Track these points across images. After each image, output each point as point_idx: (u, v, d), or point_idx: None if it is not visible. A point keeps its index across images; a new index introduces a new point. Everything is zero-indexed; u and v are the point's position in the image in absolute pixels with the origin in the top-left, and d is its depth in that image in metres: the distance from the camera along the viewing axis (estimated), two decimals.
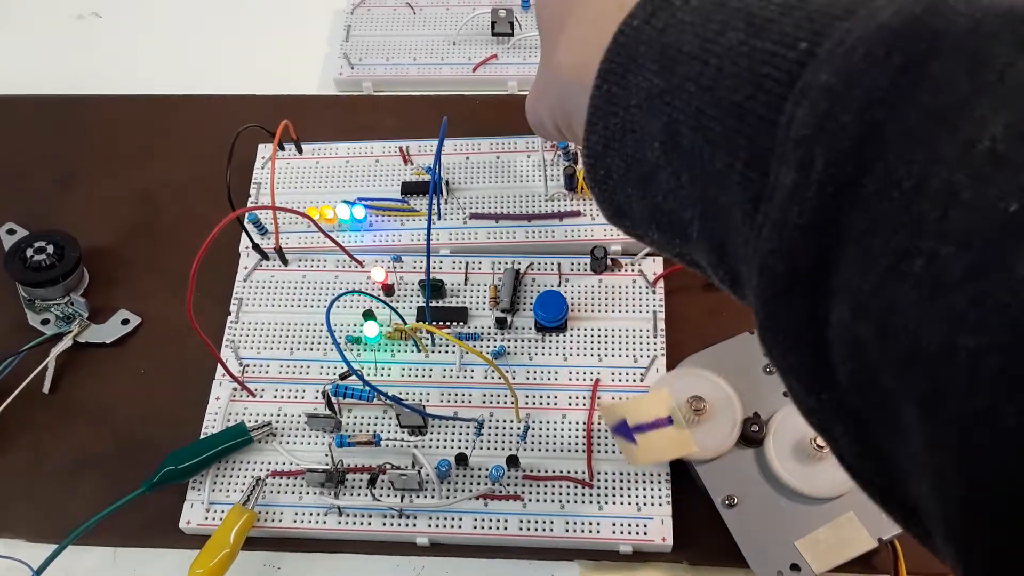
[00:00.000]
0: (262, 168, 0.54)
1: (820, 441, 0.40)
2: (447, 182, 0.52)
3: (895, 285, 0.18)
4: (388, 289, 0.49)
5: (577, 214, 0.51)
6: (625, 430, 0.40)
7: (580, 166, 0.50)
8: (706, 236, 0.24)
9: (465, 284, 0.49)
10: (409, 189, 0.52)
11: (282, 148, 0.54)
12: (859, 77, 0.19)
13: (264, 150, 0.55)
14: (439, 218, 0.51)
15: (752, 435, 0.41)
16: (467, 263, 0.50)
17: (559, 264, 0.49)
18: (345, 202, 0.51)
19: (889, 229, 0.18)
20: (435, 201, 0.51)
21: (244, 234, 0.51)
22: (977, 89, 0.18)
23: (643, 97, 0.24)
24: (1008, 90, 0.17)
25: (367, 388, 0.43)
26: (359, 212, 0.51)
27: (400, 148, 0.54)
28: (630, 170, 0.26)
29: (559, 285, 0.49)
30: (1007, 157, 0.17)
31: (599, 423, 0.45)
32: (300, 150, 0.54)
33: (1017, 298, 0.16)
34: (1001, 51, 0.18)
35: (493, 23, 0.58)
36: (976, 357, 0.16)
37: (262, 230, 0.51)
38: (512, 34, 0.59)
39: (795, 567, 0.39)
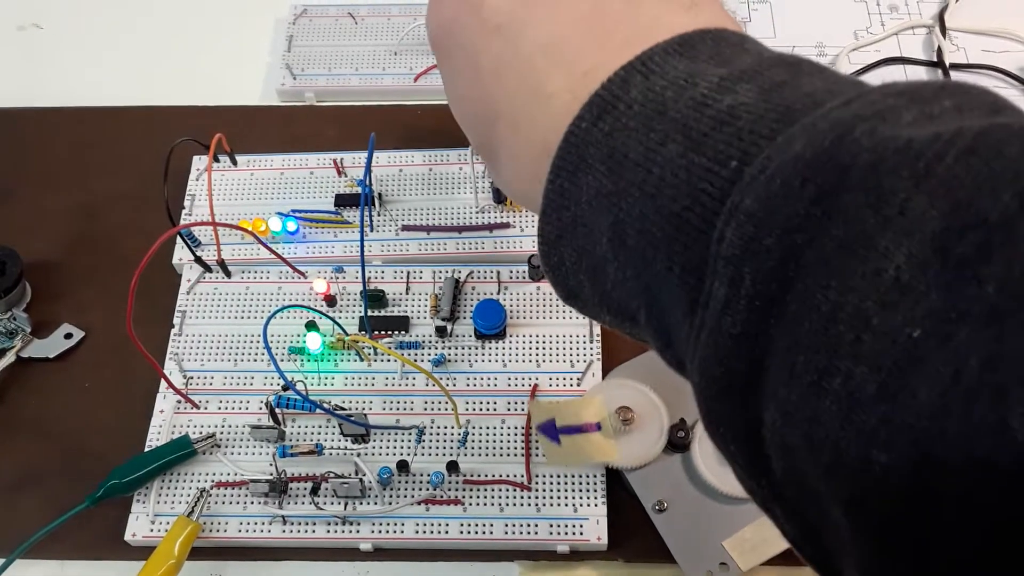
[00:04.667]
0: (196, 180, 0.55)
1: None
2: (380, 194, 0.53)
3: (817, 400, 0.19)
4: (331, 300, 0.50)
5: (506, 226, 0.52)
6: (551, 430, 0.42)
7: None
8: (652, 326, 0.25)
9: (407, 293, 0.50)
10: (342, 201, 0.53)
11: (217, 160, 0.54)
12: (778, 205, 0.20)
13: (199, 162, 0.55)
14: (371, 230, 0.52)
15: (679, 441, 0.42)
16: (408, 272, 0.51)
17: (498, 272, 0.51)
18: (279, 214, 0.52)
19: (810, 348, 0.20)
20: (367, 213, 0.52)
21: (179, 247, 0.52)
22: (881, 222, 0.19)
23: (592, 195, 0.25)
24: (908, 223, 0.19)
25: (308, 399, 0.44)
26: (292, 225, 0.51)
27: (334, 160, 0.54)
28: (581, 259, 0.27)
29: (498, 293, 0.50)
30: (910, 286, 0.18)
31: (540, 453, 0.46)
32: (234, 162, 0.55)
33: (919, 421, 0.17)
34: (901, 185, 0.19)
35: None
36: (887, 471, 0.18)
37: (195, 242, 0.51)
38: None
39: (723, 565, 0.41)
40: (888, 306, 0.18)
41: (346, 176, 0.54)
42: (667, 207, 0.23)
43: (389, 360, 0.48)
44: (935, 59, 0.59)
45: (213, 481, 0.45)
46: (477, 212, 0.53)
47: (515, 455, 0.46)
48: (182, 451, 0.45)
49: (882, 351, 0.18)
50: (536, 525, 0.44)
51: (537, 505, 0.44)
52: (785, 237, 0.20)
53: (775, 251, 0.20)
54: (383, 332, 0.49)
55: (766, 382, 0.21)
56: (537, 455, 0.45)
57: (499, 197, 0.52)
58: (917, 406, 0.17)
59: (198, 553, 0.44)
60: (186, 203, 0.54)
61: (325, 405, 0.45)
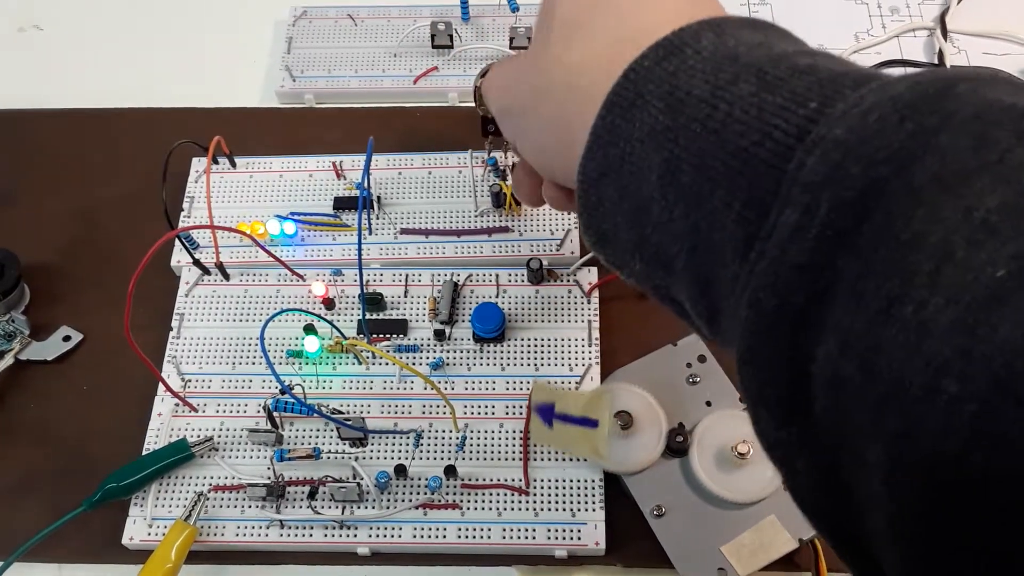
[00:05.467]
0: (195, 182, 0.54)
1: (741, 449, 0.41)
2: (379, 197, 0.53)
3: (884, 327, 0.19)
4: (329, 303, 0.50)
5: (505, 230, 0.52)
6: (547, 413, 0.42)
7: (507, 182, 0.52)
8: (691, 270, 0.25)
9: (405, 296, 0.50)
10: (341, 204, 0.53)
11: (216, 162, 0.54)
12: (872, 136, 0.21)
13: (198, 164, 0.55)
14: (370, 233, 0.52)
15: (677, 446, 0.42)
16: (407, 275, 0.51)
17: (497, 275, 0.51)
18: (277, 217, 0.52)
19: (883, 275, 0.20)
20: (366, 216, 0.52)
21: (178, 249, 0.52)
22: (980, 165, 0.19)
23: (646, 132, 0.25)
24: (1006, 170, 0.19)
25: (305, 404, 0.44)
26: (290, 228, 0.51)
27: (333, 163, 0.54)
28: (623, 200, 0.27)
29: (497, 296, 0.50)
30: (999, 228, 0.18)
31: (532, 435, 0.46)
32: (233, 164, 0.55)
33: (1000, 355, 0.17)
34: (1003, 136, 0.20)
35: (433, 36, 0.59)
36: (956, 402, 0.18)
37: (194, 244, 0.51)
38: (452, 47, 0.59)
39: (721, 570, 0.41)
40: (974, 244, 0.19)
41: (345, 179, 0.54)
42: (733, 142, 0.23)
43: (387, 364, 0.48)
44: (936, 61, 0.59)
45: (210, 485, 0.45)
46: (476, 216, 0.52)
47: (513, 459, 0.45)
48: (180, 454, 0.45)
49: (963, 285, 0.18)
50: (534, 530, 0.44)
51: (535, 510, 0.44)
52: (872, 169, 0.20)
53: (859, 180, 0.21)
54: (381, 335, 0.49)
55: (826, 313, 0.21)
56: (535, 459, 0.45)
57: (498, 201, 0.52)
58: (998, 341, 0.17)
59: (195, 557, 0.44)
60: (185, 205, 0.54)
61: (323, 409, 0.45)
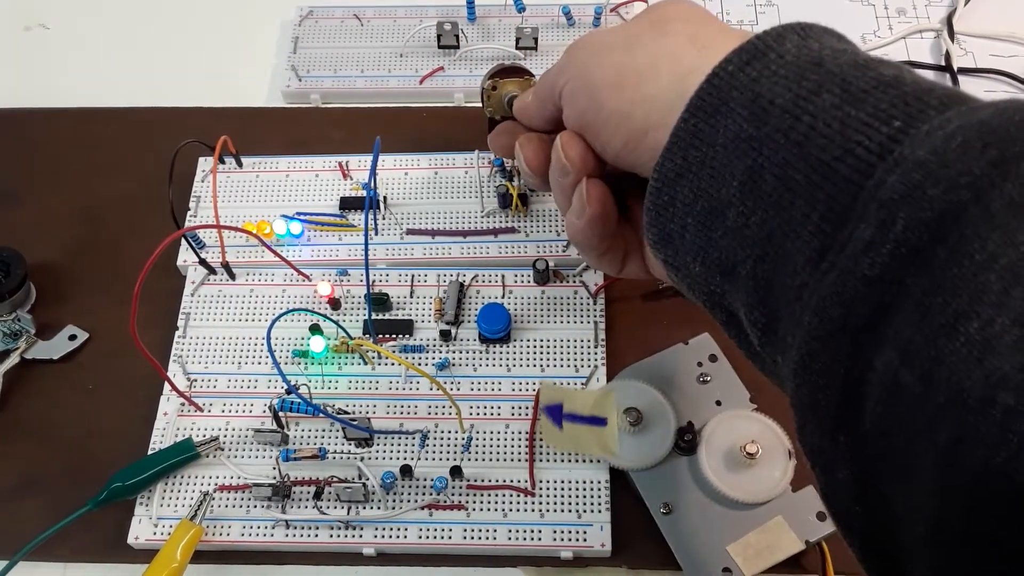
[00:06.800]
0: (202, 182, 0.54)
1: (750, 449, 0.41)
2: (385, 198, 0.53)
3: (947, 341, 0.20)
4: (334, 303, 0.50)
5: (512, 231, 0.52)
6: (556, 413, 0.42)
7: (514, 183, 0.52)
8: (755, 277, 0.26)
9: (411, 297, 0.50)
10: (347, 204, 0.53)
11: (222, 162, 0.54)
12: (954, 160, 0.21)
13: (204, 163, 0.55)
14: (376, 233, 0.52)
15: (686, 444, 0.42)
16: (413, 275, 0.51)
17: (503, 276, 0.50)
18: (284, 217, 0.52)
19: (952, 292, 0.20)
20: (372, 217, 0.52)
21: (184, 249, 0.52)
22: None
23: (729, 138, 0.26)
24: None
25: (311, 404, 0.44)
26: (296, 227, 0.51)
27: (340, 163, 0.54)
28: (697, 202, 0.27)
29: (503, 297, 0.50)
30: None
31: (541, 435, 0.46)
32: (240, 164, 0.55)
33: None
34: None
35: (439, 36, 0.59)
36: (1012, 414, 0.18)
37: (200, 244, 0.51)
38: (458, 47, 0.59)
39: (727, 570, 0.40)
40: None
41: (351, 179, 0.54)
42: (815, 156, 0.23)
43: (393, 364, 0.48)
44: (943, 63, 0.59)
45: (216, 484, 0.45)
46: (482, 216, 0.52)
47: (519, 460, 0.45)
48: (185, 454, 0.45)
49: None
50: (540, 531, 0.44)
51: (541, 511, 0.44)
52: (952, 192, 0.21)
53: (938, 203, 0.21)
54: (387, 336, 0.49)
55: (888, 326, 0.21)
56: (541, 460, 0.45)
57: (505, 202, 0.52)
58: None
59: (200, 557, 0.44)
60: (191, 205, 0.54)
61: (328, 409, 0.45)
